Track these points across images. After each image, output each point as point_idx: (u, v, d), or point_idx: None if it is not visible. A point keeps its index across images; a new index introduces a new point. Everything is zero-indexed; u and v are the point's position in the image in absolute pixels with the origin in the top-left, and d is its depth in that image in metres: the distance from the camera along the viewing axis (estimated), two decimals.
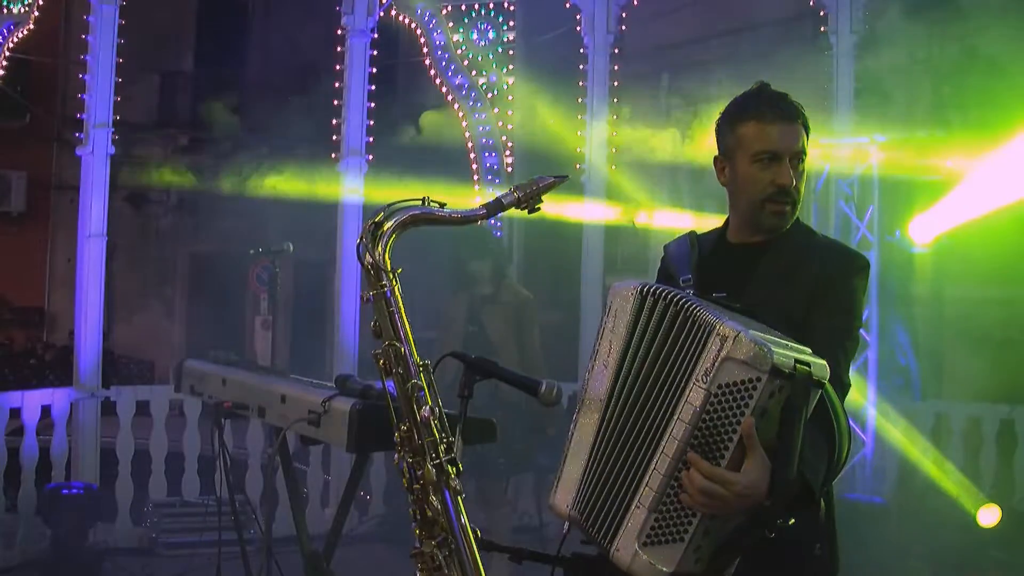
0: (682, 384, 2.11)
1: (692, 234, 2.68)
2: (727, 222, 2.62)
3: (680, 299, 2.20)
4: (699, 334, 2.11)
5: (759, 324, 2.20)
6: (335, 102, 8.08)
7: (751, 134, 2.46)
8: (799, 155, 2.47)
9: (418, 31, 9.04)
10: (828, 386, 2.12)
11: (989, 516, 6.67)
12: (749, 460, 2.03)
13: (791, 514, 2.08)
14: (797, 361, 2.02)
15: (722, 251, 2.59)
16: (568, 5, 8.37)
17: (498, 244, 7.27)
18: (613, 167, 8.58)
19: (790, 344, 2.10)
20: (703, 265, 2.56)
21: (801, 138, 2.47)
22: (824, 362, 2.09)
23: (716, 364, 2.05)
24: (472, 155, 9.24)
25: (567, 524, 2.35)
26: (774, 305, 2.36)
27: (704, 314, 2.12)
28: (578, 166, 8.40)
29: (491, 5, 9.00)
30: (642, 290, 2.29)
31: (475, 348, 5.77)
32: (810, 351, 2.11)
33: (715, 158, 2.58)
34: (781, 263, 2.48)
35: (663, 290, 2.26)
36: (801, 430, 2.04)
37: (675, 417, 2.10)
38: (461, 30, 9.05)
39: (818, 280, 2.42)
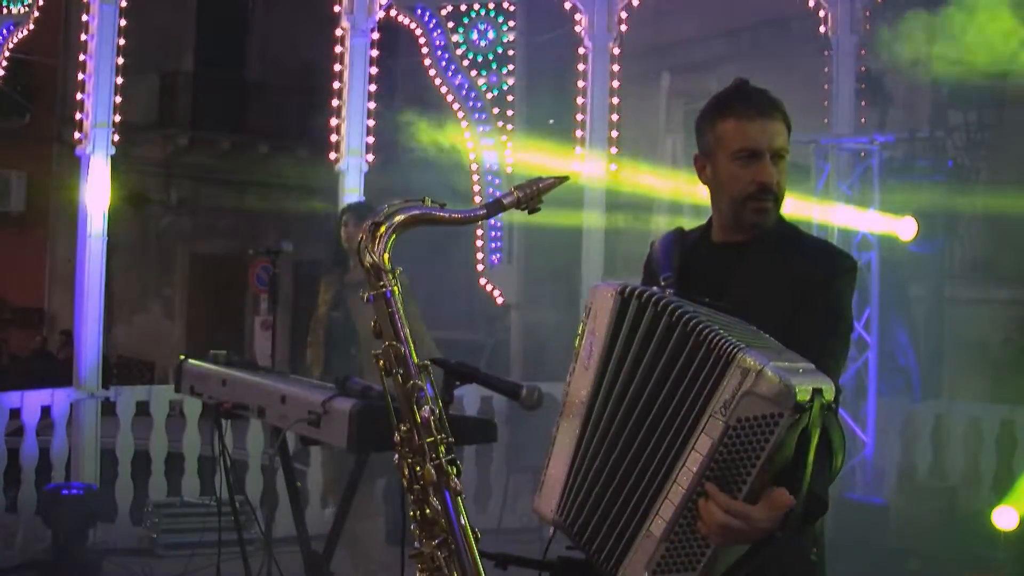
0: (696, 412, 2.06)
1: (679, 230, 2.63)
2: (711, 220, 2.58)
3: (675, 309, 2.15)
4: (716, 360, 2.05)
5: (750, 328, 2.17)
6: (335, 102, 8.07)
7: (730, 131, 2.41)
8: (780, 151, 2.42)
9: (418, 31, 9.05)
10: None
11: (1006, 518, 6.60)
12: (768, 494, 2.01)
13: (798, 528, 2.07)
14: (814, 390, 1.99)
15: (705, 249, 2.54)
16: (568, 6, 8.37)
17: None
18: (612, 167, 8.58)
19: (800, 366, 2.06)
20: (686, 263, 2.51)
21: (782, 134, 2.42)
22: (831, 382, 2.05)
23: (737, 398, 1.99)
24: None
25: (552, 528, 2.33)
26: (758, 305, 2.32)
27: (718, 338, 2.06)
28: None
29: (491, 5, 9.00)
30: (623, 291, 2.25)
31: (337, 336, 5.64)
32: (814, 367, 2.08)
33: (695, 157, 2.53)
34: (765, 262, 2.43)
35: (645, 293, 2.21)
36: (813, 454, 2.01)
37: (689, 447, 2.05)
38: (461, 30, 9.05)
39: (804, 282, 2.38)
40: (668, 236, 2.62)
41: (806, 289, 2.37)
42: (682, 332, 2.12)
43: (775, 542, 2.04)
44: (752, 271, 2.44)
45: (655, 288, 2.34)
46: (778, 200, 2.45)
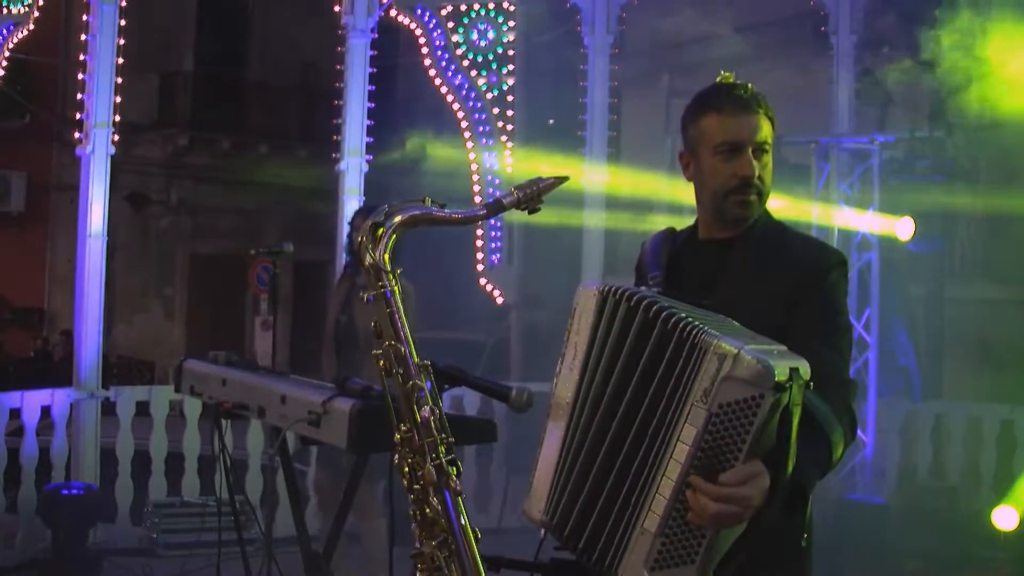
0: (678, 404, 2.06)
1: (669, 230, 2.63)
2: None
3: (651, 304, 2.15)
4: (692, 350, 2.06)
5: (727, 321, 2.17)
6: (335, 102, 8.07)
7: (712, 126, 2.42)
8: (762, 145, 2.42)
9: (418, 31, 9.04)
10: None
11: (1006, 518, 6.60)
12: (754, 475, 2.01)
13: (783, 517, 2.08)
14: (791, 369, 1.99)
15: (692, 247, 2.55)
16: (568, 5, 8.37)
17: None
18: (613, 167, 8.58)
19: (774, 348, 2.06)
20: (674, 262, 2.51)
21: (763, 128, 2.42)
22: (805, 359, 2.05)
23: (716, 384, 2.00)
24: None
25: (543, 530, 2.33)
26: (746, 302, 2.32)
27: (690, 327, 2.07)
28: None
29: (491, 5, 8.99)
30: (603, 291, 2.27)
31: (345, 340, 5.67)
32: (786, 348, 2.07)
33: (680, 154, 2.54)
34: (751, 258, 2.43)
35: (624, 291, 2.22)
36: (796, 431, 2.02)
37: (675, 438, 2.06)
38: (461, 30, 9.04)
39: (796, 280, 2.38)
40: (657, 236, 2.63)
41: (798, 287, 2.37)
42: (656, 325, 2.14)
43: (766, 521, 2.04)
44: (739, 268, 2.43)
45: (642, 288, 2.35)
46: (761, 194, 2.44)
